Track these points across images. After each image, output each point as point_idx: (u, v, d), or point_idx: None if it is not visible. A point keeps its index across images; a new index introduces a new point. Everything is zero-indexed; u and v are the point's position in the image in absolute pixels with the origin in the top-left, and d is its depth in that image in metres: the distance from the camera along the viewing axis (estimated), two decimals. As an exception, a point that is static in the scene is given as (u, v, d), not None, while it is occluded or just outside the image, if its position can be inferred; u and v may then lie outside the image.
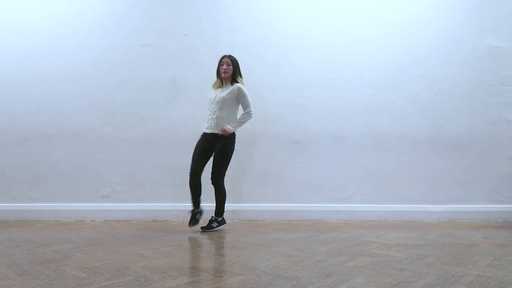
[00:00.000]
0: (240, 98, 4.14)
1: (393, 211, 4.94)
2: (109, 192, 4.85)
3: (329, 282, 2.63)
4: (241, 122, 4.16)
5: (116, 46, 4.85)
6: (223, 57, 4.23)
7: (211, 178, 4.15)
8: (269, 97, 4.87)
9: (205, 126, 4.20)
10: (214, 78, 4.84)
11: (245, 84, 4.86)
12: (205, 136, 4.19)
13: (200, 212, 4.18)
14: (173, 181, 4.85)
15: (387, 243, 3.72)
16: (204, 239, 3.88)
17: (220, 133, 4.07)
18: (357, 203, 4.95)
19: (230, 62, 4.18)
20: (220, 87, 4.22)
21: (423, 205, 4.96)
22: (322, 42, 4.93)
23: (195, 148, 4.20)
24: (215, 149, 4.13)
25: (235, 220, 4.78)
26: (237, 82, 4.19)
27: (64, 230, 4.26)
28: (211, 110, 4.15)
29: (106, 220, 4.78)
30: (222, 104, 4.11)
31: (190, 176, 4.13)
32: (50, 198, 4.81)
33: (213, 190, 4.16)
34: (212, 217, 4.24)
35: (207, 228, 4.18)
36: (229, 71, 4.18)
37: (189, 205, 4.82)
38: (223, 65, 4.18)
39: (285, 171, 4.87)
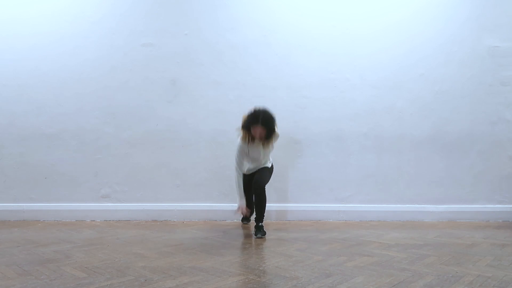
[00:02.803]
0: (273, 142, 4.05)
1: (393, 211, 4.94)
2: (109, 192, 4.85)
3: (329, 282, 2.63)
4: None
5: (116, 46, 4.85)
6: (257, 123, 3.82)
7: (256, 186, 4.02)
8: (269, 97, 4.86)
9: (244, 170, 4.15)
10: (214, 77, 4.87)
11: (245, 84, 4.89)
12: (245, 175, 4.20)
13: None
14: (173, 181, 4.86)
15: (387, 243, 3.72)
16: (204, 239, 3.88)
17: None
18: (357, 203, 4.95)
19: (264, 132, 3.87)
20: (252, 141, 3.97)
21: (423, 205, 4.96)
22: (322, 43, 4.93)
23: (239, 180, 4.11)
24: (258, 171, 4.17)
25: (235, 220, 4.78)
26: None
27: (64, 230, 4.26)
28: (253, 163, 4.15)
29: (106, 220, 4.78)
30: (267, 155, 4.13)
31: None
32: (50, 198, 4.81)
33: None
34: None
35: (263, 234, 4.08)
36: (263, 135, 3.92)
37: (188, 205, 4.85)
38: (255, 130, 3.87)
39: (285, 171, 4.87)
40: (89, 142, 4.83)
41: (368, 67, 4.94)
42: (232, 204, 4.75)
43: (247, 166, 4.20)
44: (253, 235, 4.03)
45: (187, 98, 4.87)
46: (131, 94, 4.85)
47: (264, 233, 4.00)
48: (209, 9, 4.89)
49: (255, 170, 4.20)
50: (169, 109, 4.86)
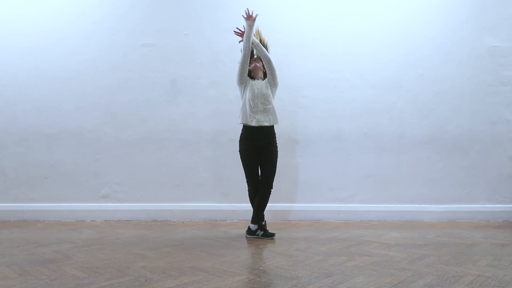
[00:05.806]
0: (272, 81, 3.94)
1: (393, 211, 4.94)
2: (109, 192, 4.85)
3: (329, 282, 2.63)
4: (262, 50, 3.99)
5: (116, 46, 4.85)
6: (253, 59, 3.98)
7: (266, 183, 3.89)
8: (269, 97, 4.86)
9: (249, 118, 3.83)
10: (214, 77, 4.87)
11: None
12: (250, 138, 3.88)
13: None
14: (173, 181, 4.86)
15: (387, 243, 3.72)
16: (204, 239, 3.88)
17: (270, 124, 3.86)
18: (357, 203, 4.95)
19: (260, 63, 3.94)
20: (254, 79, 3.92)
21: (423, 205, 4.96)
22: (322, 42, 4.93)
23: (246, 160, 3.92)
24: (266, 154, 3.88)
25: (235, 220, 4.79)
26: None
27: (64, 230, 4.26)
28: (259, 98, 3.83)
29: (106, 220, 4.78)
30: (268, 98, 3.87)
31: (251, 191, 4.00)
32: (50, 198, 4.81)
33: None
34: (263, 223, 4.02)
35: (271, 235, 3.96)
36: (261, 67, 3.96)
37: (188, 205, 4.84)
38: (255, 63, 3.94)
39: (285, 171, 4.86)
40: (89, 142, 4.83)
41: (368, 67, 4.95)
42: (232, 204, 4.77)
43: (253, 109, 3.83)
44: (257, 234, 3.97)
45: (187, 98, 4.87)
46: (131, 94, 4.85)
47: (271, 234, 3.93)
48: (209, 9, 4.89)
49: (262, 124, 3.82)
50: (169, 109, 4.86)
